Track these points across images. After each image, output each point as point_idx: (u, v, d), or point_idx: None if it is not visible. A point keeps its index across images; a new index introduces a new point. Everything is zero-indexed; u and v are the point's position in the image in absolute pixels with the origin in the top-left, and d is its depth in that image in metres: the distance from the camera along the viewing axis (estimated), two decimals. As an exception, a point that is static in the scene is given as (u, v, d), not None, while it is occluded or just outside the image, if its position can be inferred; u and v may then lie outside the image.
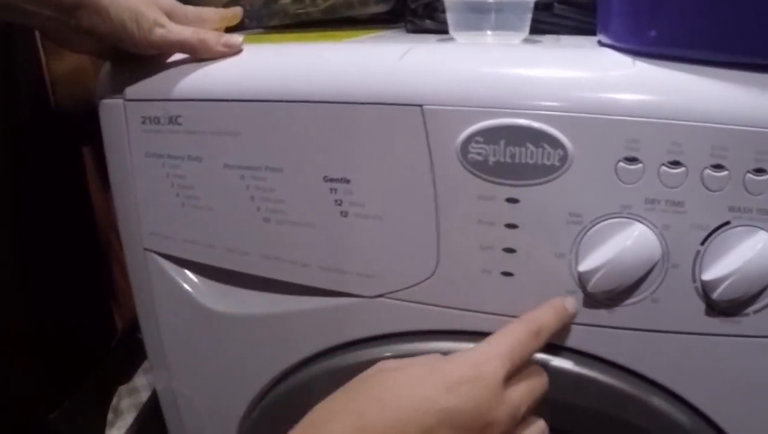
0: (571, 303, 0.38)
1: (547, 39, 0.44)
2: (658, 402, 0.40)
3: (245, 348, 0.45)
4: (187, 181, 0.42)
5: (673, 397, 0.40)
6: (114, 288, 0.60)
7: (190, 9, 0.44)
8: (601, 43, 0.41)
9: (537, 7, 0.45)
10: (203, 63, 0.41)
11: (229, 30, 0.47)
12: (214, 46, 0.41)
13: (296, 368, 0.44)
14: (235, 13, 0.45)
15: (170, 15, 0.42)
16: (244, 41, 0.43)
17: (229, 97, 0.40)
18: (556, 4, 0.45)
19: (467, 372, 0.32)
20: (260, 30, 0.52)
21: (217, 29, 0.45)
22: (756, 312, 0.38)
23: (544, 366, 0.38)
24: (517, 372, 0.35)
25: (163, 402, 0.50)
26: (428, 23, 0.46)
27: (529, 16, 0.42)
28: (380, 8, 0.48)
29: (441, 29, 0.44)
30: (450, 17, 0.42)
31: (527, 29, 0.42)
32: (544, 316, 0.37)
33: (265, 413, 0.45)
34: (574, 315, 0.38)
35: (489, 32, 0.41)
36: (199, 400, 0.48)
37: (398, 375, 0.33)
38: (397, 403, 0.31)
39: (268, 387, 0.45)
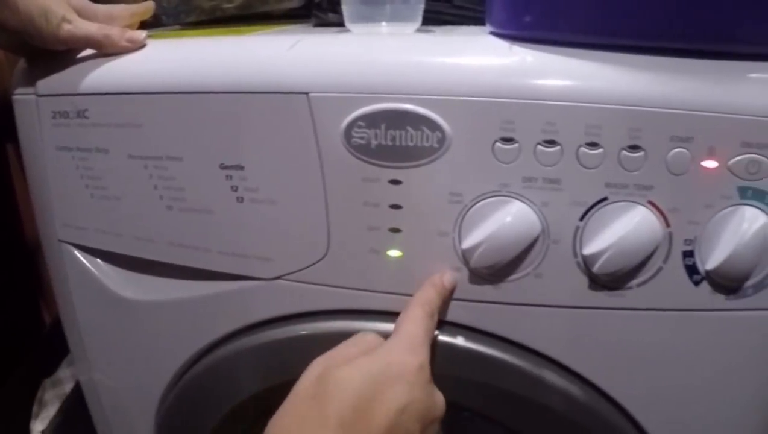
0: (449, 278, 0.40)
1: (442, 29, 0.46)
2: (549, 375, 0.42)
3: (157, 333, 0.47)
4: (95, 173, 0.44)
5: (565, 370, 0.42)
6: (42, 283, 0.62)
7: (100, 7, 0.46)
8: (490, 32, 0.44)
9: (438, -1, 0.47)
10: (109, 58, 0.44)
11: (147, 27, 0.49)
12: (119, 41, 0.43)
13: (207, 350, 0.46)
14: (147, 8, 0.48)
15: (80, 12, 0.45)
16: (161, 37, 0.45)
17: (131, 90, 0.42)
18: (456, -4, 0.47)
19: (413, 361, 0.34)
20: (177, 26, 0.55)
21: (129, 25, 0.47)
22: (639, 285, 0.40)
23: (435, 342, 0.40)
24: None
25: (85, 392, 0.52)
26: (331, 16, 0.48)
27: (421, 7, 0.44)
28: (294, 3, 0.51)
29: (344, 22, 0.47)
30: (345, 10, 0.44)
31: (420, 19, 0.44)
32: (432, 300, 0.39)
33: (180, 395, 0.47)
34: (452, 290, 0.40)
35: (384, 23, 0.44)
36: (119, 388, 0.51)
37: (354, 373, 0.33)
38: (373, 408, 0.32)
39: (182, 370, 0.47)
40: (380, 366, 0.34)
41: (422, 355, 0.35)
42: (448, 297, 0.40)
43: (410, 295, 0.40)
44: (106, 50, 0.44)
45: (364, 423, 0.31)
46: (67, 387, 0.61)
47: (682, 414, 0.44)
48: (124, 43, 0.43)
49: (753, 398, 0.44)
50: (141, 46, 0.44)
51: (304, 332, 0.44)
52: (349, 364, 0.34)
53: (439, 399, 0.36)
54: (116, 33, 0.43)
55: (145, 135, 0.42)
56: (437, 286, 0.39)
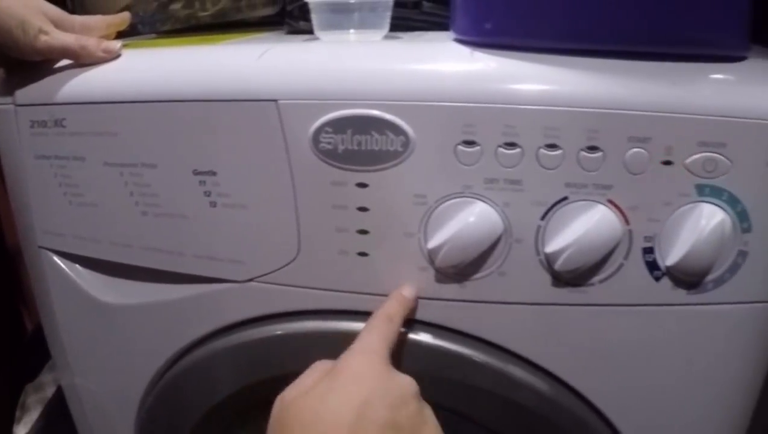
0: (408, 289, 0.42)
1: (409, 36, 0.48)
2: (516, 371, 0.43)
3: (136, 337, 0.49)
4: (73, 180, 0.46)
5: (533, 366, 0.44)
6: (24, 290, 0.64)
7: (77, 18, 0.48)
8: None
9: (406, 6, 0.49)
10: (86, 68, 0.45)
11: (123, 35, 0.51)
12: (95, 51, 0.45)
13: (185, 352, 0.48)
14: (123, 18, 0.50)
15: (58, 24, 0.46)
16: (137, 46, 0.47)
17: (107, 100, 0.44)
18: (424, 3, 0.49)
19: (363, 360, 0.36)
20: (153, 35, 0.57)
21: (106, 35, 0.49)
22: (601, 281, 0.42)
23: (403, 340, 0.42)
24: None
25: (67, 396, 0.54)
26: (303, 24, 0.50)
27: (388, 14, 0.46)
28: (268, 11, 0.53)
29: (315, 29, 0.49)
30: (314, 18, 0.46)
31: (387, 26, 0.46)
32: (391, 306, 0.41)
33: (159, 397, 0.49)
34: (413, 299, 0.42)
35: (352, 31, 0.46)
36: (99, 391, 0.52)
37: (308, 396, 0.35)
38: (333, 415, 0.33)
39: (161, 372, 0.49)
40: (330, 378, 0.35)
41: (374, 353, 0.36)
42: (410, 305, 0.42)
43: (379, 295, 0.42)
44: (83, 60, 0.45)
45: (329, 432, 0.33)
46: (49, 391, 0.62)
47: (649, 408, 0.45)
48: (100, 54, 0.45)
49: (719, 392, 0.45)
50: (116, 56, 0.46)
51: (279, 332, 0.45)
52: (306, 392, 0.35)
53: (403, 380, 0.36)
54: (92, 43, 0.45)
55: (120, 143, 0.44)
56: (398, 298, 0.41)
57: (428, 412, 0.37)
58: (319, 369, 0.37)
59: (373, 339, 0.38)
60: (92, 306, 0.49)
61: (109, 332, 0.50)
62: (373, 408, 0.34)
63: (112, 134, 0.44)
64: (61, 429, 0.56)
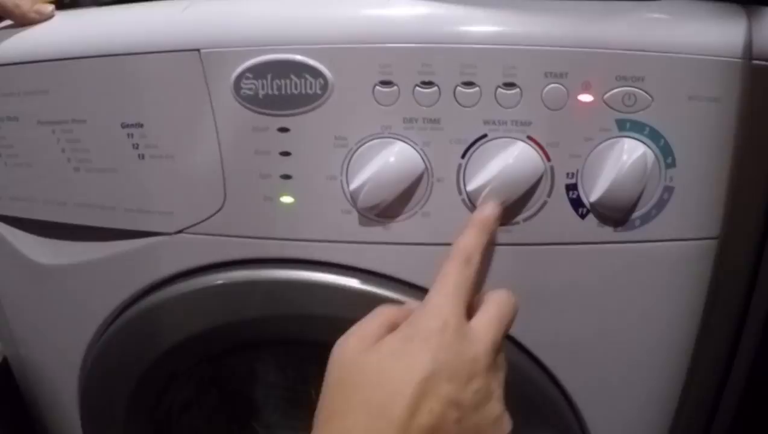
0: (490, 208, 0.41)
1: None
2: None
3: (73, 298, 0.51)
4: (7, 141, 0.49)
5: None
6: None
7: None
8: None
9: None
10: (16, 30, 0.48)
11: (65, 8, 0.54)
12: (28, 12, 0.48)
13: (121, 311, 0.50)
14: None
15: None
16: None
17: (37, 59, 0.46)
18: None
19: (434, 325, 0.34)
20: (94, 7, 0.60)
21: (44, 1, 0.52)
22: (525, 220, 0.44)
23: (327, 286, 0.45)
24: (477, 304, 0.37)
25: (12, 366, 0.57)
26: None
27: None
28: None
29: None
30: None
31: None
32: (468, 241, 0.39)
33: (98, 358, 0.51)
34: (494, 217, 0.41)
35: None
36: (42, 360, 0.55)
37: (377, 357, 0.34)
38: (396, 385, 0.32)
39: (99, 333, 0.51)
40: (400, 340, 0.34)
41: (449, 316, 0.35)
42: (492, 227, 0.41)
43: (305, 241, 0.45)
44: (17, 20, 0.48)
45: (389, 402, 0.32)
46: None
47: (585, 352, 0.48)
48: (33, 15, 0.48)
49: (655, 333, 0.47)
50: (48, 17, 0.49)
51: (219, 282, 0.48)
52: (372, 347, 0.34)
53: (477, 351, 0.34)
54: (25, 4, 0.48)
55: (51, 101, 0.47)
56: (475, 222, 0.40)
57: (495, 384, 0.35)
58: (383, 318, 0.36)
59: (447, 293, 0.36)
60: (29, 269, 0.52)
61: (48, 295, 0.52)
62: (439, 382, 0.33)
63: (43, 92, 0.47)
64: (8, 400, 0.59)
